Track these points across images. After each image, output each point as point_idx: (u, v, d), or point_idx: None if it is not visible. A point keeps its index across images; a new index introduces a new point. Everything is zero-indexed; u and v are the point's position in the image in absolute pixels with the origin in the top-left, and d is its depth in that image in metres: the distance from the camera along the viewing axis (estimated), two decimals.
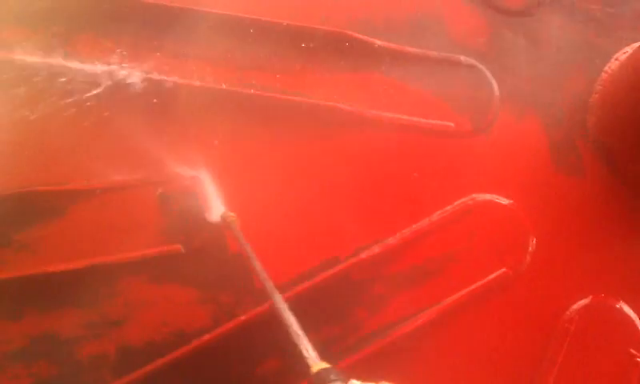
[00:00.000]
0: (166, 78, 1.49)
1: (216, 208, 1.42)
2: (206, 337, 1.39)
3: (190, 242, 1.43)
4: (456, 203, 1.48)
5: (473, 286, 1.45)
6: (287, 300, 1.40)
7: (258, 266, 1.22)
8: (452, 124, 1.51)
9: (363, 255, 1.45)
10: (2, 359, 1.40)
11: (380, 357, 1.43)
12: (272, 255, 1.45)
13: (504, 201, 1.49)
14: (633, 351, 1.48)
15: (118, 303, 1.40)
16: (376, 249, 1.45)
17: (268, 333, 1.41)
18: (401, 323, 1.43)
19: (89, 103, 1.49)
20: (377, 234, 1.45)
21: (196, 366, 1.38)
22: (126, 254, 1.42)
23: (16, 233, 1.42)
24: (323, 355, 1.40)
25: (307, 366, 0.94)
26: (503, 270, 1.46)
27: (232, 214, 1.40)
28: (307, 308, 1.42)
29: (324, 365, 0.94)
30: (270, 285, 1.16)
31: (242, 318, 1.41)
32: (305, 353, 0.97)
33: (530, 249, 1.48)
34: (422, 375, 1.45)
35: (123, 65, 1.50)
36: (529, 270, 1.48)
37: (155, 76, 1.50)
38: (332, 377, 0.90)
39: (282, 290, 1.42)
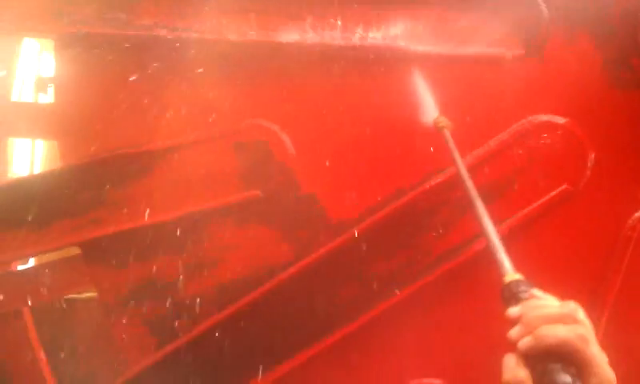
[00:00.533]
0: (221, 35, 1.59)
1: None
2: (291, 270, 1.53)
3: (266, 186, 1.56)
4: (513, 126, 1.54)
5: (536, 204, 1.52)
6: (360, 232, 1.54)
7: (463, 171, 1.27)
8: (504, 49, 1.56)
9: (428, 184, 1.54)
10: (114, 304, 1.59)
11: (452, 277, 1.54)
12: (343, 192, 1.57)
13: (560, 120, 1.54)
14: None
15: (209, 247, 1.56)
16: (440, 177, 1.54)
17: (344, 263, 1.54)
18: (468, 244, 1.52)
19: (157, 66, 1.61)
20: (439, 164, 1.54)
21: (284, 297, 1.52)
22: (210, 202, 1.56)
23: (109, 193, 1.58)
24: (400, 277, 1.53)
25: (501, 276, 1.01)
26: (564, 186, 1.53)
27: (444, 118, 1.44)
28: (380, 236, 1.53)
29: (517, 276, 1.00)
30: (474, 192, 1.22)
31: (321, 250, 1.54)
32: (500, 263, 1.03)
33: (589, 164, 1.53)
34: (494, 291, 1.55)
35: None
36: (588, 185, 1.54)
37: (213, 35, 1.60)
38: (522, 288, 0.96)
39: (355, 223, 1.55)
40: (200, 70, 1.55)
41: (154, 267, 1.56)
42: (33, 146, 3.77)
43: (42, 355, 2.20)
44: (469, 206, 1.22)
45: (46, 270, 2.19)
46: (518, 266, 1.51)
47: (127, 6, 1.62)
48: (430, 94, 1.50)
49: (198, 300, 1.55)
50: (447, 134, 1.41)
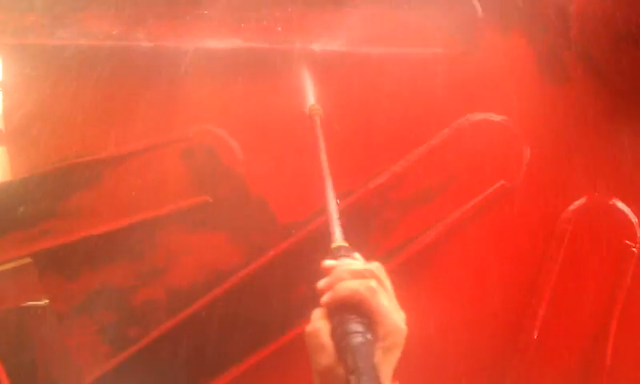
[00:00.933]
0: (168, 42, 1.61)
1: None
2: (242, 273, 1.56)
3: (216, 191, 1.59)
4: (452, 125, 1.60)
5: (474, 201, 1.59)
6: (307, 233, 1.58)
7: (324, 158, 1.33)
8: (440, 49, 1.62)
9: (371, 185, 1.59)
10: (68, 313, 1.60)
11: (393, 275, 1.59)
12: (287, 196, 1.62)
13: (497, 117, 1.61)
14: (628, 242, 1.61)
15: (161, 253, 1.58)
16: (382, 178, 1.59)
17: (296, 264, 1.58)
18: (410, 242, 1.58)
19: (106, 75, 1.62)
20: (382, 164, 1.59)
21: (236, 299, 1.55)
22: (160, 209, 1.58)
23: (59, 204, 1.59)
24: None
25: (330, 242, 1.09)
26: (501, 182, 1.60)
27: (319, 107, 1.47)
28: (326, 237, 1.58)
29: (343, 243, 1.08)
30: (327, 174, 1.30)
31: (271, 253, 1.57)
32: (332, 231, 1.11)
33: (525, 159, 1.60)
34: (434, 289, 1.61)
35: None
36: (525, 180, 1.60)
37: (161, 42, 1.62)
38: (343, 252, 1.05)
39: (299, 227, 1.58)
40: (144, 76, 1.58)
41: (106, 275, 1.57)
42: None
43: None
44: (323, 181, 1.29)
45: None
46: (459, 261, 1.59)
47: (72, 16, 1.63)
48: (310, 85, 1.54)
49: (150, 306, 1.57)
50: (317, 121, 1.46)
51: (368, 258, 1.55)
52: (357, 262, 1.03)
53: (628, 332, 1.59)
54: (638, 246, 1.60)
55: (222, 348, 1.57)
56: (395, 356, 0.95)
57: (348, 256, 1.04)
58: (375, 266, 1.00)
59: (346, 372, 0.85)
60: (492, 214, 1.59)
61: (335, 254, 1.05)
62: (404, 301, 1.56)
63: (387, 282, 0.99)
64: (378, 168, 1.59)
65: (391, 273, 1.54)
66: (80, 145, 1.60)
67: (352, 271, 0.98)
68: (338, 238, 1.09)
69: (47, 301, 2.59)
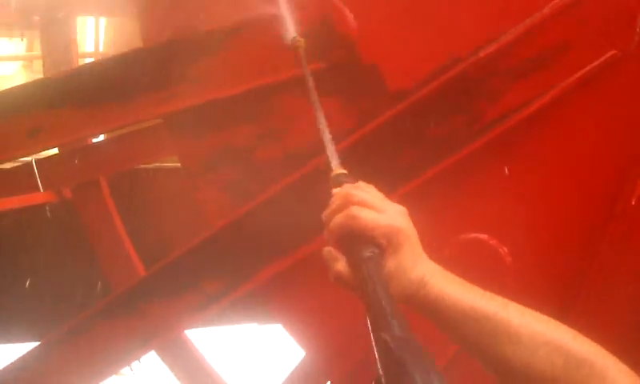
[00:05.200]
0: None
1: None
2: (352, 137, 1.67)
3: (329, 58, 1.68)
4: None
5: (582, 71, 1.61)
6: (416, 99, 1.66)
7: (314, 97, 1.36)
8: None
9: (480, 54, 1.64)
10: (196, 170, 1.78)
11: (500, 142, 1.67)
12: (399, 60, 1.69)
13: None
14: None
15: (279, 116, 1.72)
16: (492, 46, 1.63)
17: (404, 129, 1.67)
18: (518, 109, 1.64)
19: None
20: (492, 33, 1.62)
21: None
22: (277, 75, 1.69)
23: (187, 69, 1.72)
24: (452, 141, 1.66)
25: (330, 170, 1.12)
26: (612, 51, 1.60)
27: (301, 39, 1.55)
28: (433, 104, 1.66)
29: (342, 170, 1.10)
30: (317, 100, 1.34)
31: (380, 119, 1.67)
32: (330, 159, 1.15)
33: (638, 29, 1.60)
34: (540, 155, 1.69)
35: None
36: (638, 49, 1.61)
37: None
38: (343, 179, 1.07)
39: (409, 93, 1.66)
40: None
41: (229, 136, 1.72)
42: (96, 25, 3.91)
43: (118, 221, 2.46)
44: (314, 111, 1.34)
45: (118, 143, 2.41)
46: (566, 128, 1.64)
47: None
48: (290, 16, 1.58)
49: (269, 164, 1.72)
50: (302, 53, 1.52)
51: (474, 127, 1.64)
52: (339, 189, 1.03)
53: None
54: None
55: None
56: (407, 253, 0.96)
57: (348, 181, 1.06)
58: (350, 187, 1.01)
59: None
60: (602, 85, 1.61)
61: (334, 181, 1.08)
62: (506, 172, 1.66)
63: (372, 192, 1.01)
64: (488, 37, 1.62)
65: (494, 143, 1.64)
66: (205, 13, 1.70)
67: (338, 201, 0.99)
68: (336, 164, 1.12)
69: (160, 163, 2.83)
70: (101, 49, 4.21)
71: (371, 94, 1.69)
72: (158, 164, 2.92)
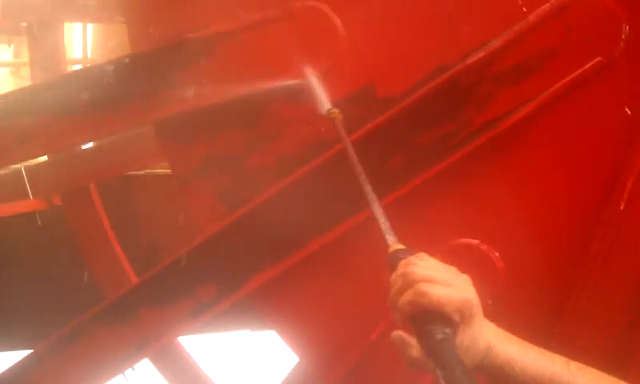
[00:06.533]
0: None
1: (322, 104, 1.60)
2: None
3: (320, 65, 1.69)
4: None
5: (569, 77, 1.63)
6: (405, 106, 1.67)
7: (355, 160, 1.37)
8: None
9: (469, 60, 1.65)
10: (186, 177, 1.78)
11: (489, 147, 1.68)
12: (388, 67, 1.70)
13: None
14: None
15: (270, 122, 1.72)
16: (480, 52, 1.64)
17: (393, 135, 1.69)
18: (506, 116, 1.65)
19: None
20: (480, 39, 1.64)
21: (339, 167, 1.68)
22: (269, 81, 1.70)
23: (177, 75, 1.73)
24: (441, 148, 1.67)
25: (387, 246, 1.10)
26: (598, 58, 1.63)
27: (336, 110, 1.57)
28: (422, 110, 1.67)
29: (400, 246, 1.08)
30: (364, 178, 1.33)
31: (370, 125, 1.68)
32: (386, 236, 1.12)
33: (623, 35, 1.62)
34: (528, 161, 1.70)
35: None
36: (623, 56, 1.63)
37: None
38: (402, 255, 1.04)
39: (398, 100, 1.68)
40: None
41: (221, 142, 1.73)
42: (84, 32, 3.90)
43: (108, 228, 2.46)
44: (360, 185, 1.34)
45: (109, 149, 2.40)
46: (555, 132, 1.66)
47: None
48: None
49: (260, 171, 1.72)
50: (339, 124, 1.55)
51: (462, 133, 1.66)
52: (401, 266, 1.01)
53: None
54: None
55: (326, 209, 1.71)
56: (477, 323, 0.98)
57: (406, 256, 1.04)
58: (419, 257, 1.01)
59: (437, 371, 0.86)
60: (587, 91, 1.63)
61: (393, 259, 1.05)
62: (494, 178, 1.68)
63: (434, 263, 1.01)
64: (475, 43, 1.64)
65: (482, 149, 1.65)
66: (193, 20, 1.71)
67: (402, 280, 0.97)
68: (392, 242, 1.09)
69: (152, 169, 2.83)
70: (89, 55, 4.20)
71: (361, 101, 1.70)
72: (148, 170, 2.91)
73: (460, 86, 1.66)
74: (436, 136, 1.68)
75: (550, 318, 1.67)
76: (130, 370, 1.90)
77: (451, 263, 1.08)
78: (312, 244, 1.68)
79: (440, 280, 0.96)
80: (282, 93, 1.69)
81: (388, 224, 1.15)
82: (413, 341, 0.96)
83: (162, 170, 2.85)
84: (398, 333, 0.98)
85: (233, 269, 1.71)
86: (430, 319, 0.93)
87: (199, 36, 1.71)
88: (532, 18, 1.63)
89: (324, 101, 1.59)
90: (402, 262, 1.01)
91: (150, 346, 1.78)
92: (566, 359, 1.03)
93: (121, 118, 1.76)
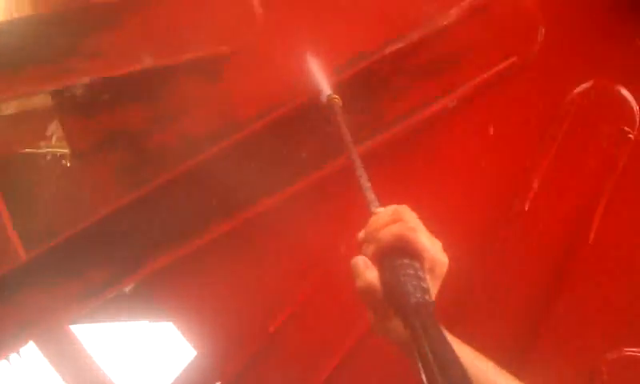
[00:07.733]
0: None
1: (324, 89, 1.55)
2: (254, 126, 1.62)
3: (233, 43, 1.62)
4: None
5: (484, 75, 1.63)
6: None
7: (355, 154, 1.32)
8: None
9: (386, 51, 1.62)
10: (85, 151, 1.67)
11: (400, 140, 1.65)
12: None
13: None
14: (626, 128, 1.67)
15: (175, 100, 1.64)
16: (398, 44, 1.61)
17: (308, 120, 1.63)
18: (419, 110, 1.63)
19: None
20: (398, 30, 1.61)
21: (249, 149, 1.62)
22: (177, 57, 1.62)
23: (80, 43, 1.62)
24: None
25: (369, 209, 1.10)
26: (513, 59, 1.63)
27: (336, 96, 1.51)
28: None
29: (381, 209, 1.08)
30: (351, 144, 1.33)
31: (283, 109, 1.62)
32: (369, 199, 1.12)
33: (539, 38, 1.63)
34: (438, 157, 1.68)
35: None
36: (537, 59, 1.64)
37: None
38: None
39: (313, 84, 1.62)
40: None
41: (123, 117, 1.63)
42: None
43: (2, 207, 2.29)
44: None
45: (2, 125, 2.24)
46: (464, 132, 1.65)
47: None
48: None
49: (163, 150, 1.64)
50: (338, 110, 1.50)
51: (375, 122, 1.63)
52: (383, 212, 1.03)
53: (614, 214, 1.67)
54: (635, 133, 1.66)
55: (227, 194, 1.63)
56: (437, 287, 0.98)
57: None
58: (401, 209, 1.01)
59: (403, 302, 0.87)
60: (500, 90, 1.63)
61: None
62: (404, 172, 1.65)
63: (417, 219, 1.01)
64: (394, 34, 1.61)
65: (392, 142, 1.62)
66: None
67: (391, 215, 0.98)
68: (375, 202, 1.11)
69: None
70: None
71: (277, 84, 1.64)
72: (45, 149, 2.75)
73: (376, 76, 1.62)
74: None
75: (457, 317, 1.65)
76: (14, 354, 1.76)
77: None
78: (212, 229, 1.60)
79: (427, 234, 0.97)
80: (189, 70, 1.60)
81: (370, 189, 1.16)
82: (374, 271, 0.94)
83: (59, 149, 2.69)
84: (362, 257, 0.97)
85: (127, 252, 1.61)
86: (405, 256, 0.93)
87: (107, 2, 1.61)
88: (451, 12, 1.61)
89: (324, 86, 1.53)
90: (395, 205, 1.02)
91: (34, 328, 1.65)
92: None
93: (17, 83, 1.62)
